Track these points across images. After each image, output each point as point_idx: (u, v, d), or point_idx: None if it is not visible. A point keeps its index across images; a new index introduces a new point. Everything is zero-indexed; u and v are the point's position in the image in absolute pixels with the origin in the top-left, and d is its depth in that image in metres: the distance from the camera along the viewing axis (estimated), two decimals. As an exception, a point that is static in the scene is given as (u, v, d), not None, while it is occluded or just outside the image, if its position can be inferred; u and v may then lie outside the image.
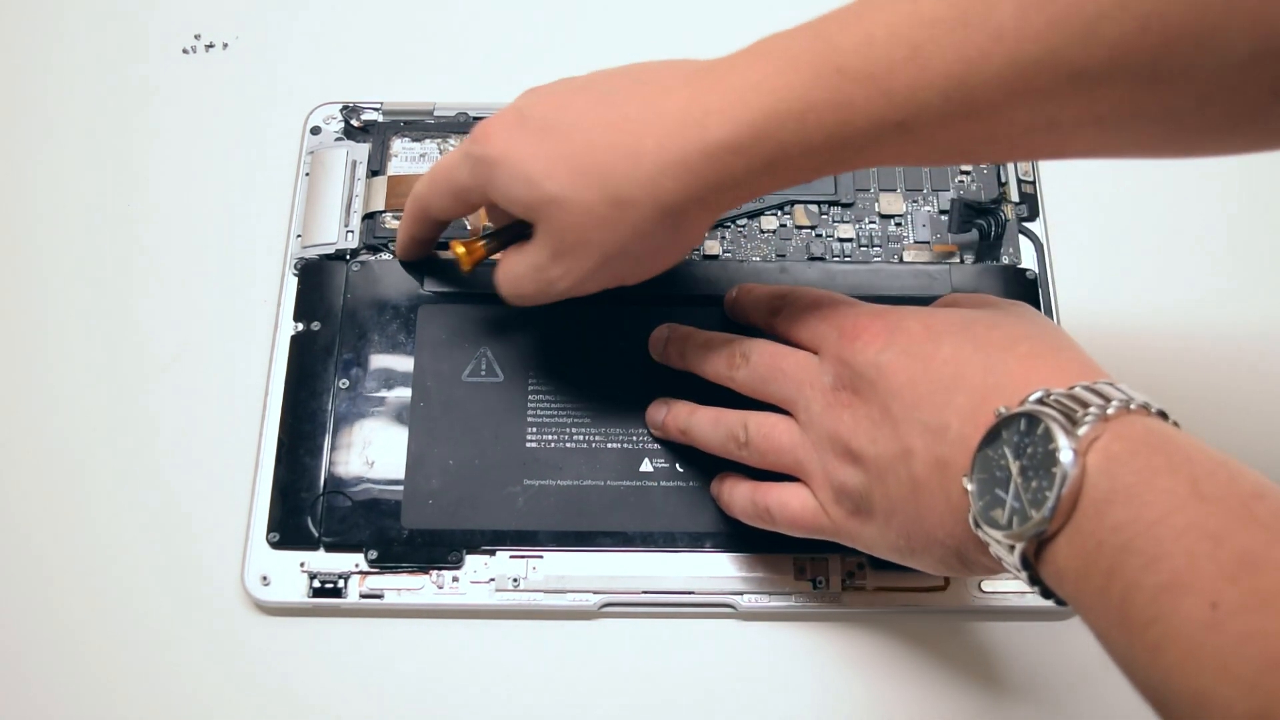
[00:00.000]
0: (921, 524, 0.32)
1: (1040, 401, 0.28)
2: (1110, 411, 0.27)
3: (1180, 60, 0.27)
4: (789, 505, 0.36)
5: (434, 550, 0.40)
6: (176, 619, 0.40)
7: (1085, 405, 0.27)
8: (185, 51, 0.51)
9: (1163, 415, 0.28)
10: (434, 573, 0.40)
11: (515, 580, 0.40)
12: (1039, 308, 0.44)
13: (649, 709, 0.39)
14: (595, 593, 0.40)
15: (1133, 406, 0.28)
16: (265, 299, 0.45)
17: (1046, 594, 0.29)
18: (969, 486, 0.29)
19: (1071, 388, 0.28)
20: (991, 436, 0.29)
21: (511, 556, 0.40)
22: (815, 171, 0.33)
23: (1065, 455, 0.27)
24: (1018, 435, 0.28)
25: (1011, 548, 0.28)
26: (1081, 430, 0.27)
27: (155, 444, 0.43)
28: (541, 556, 0.40)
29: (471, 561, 0.40)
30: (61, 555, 0.41)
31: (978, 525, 0.29)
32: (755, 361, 0.37)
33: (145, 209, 0.47)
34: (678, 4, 0.52)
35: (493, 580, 0.40)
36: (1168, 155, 0.32)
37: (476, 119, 0.48)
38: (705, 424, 0.39)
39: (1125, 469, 0.26)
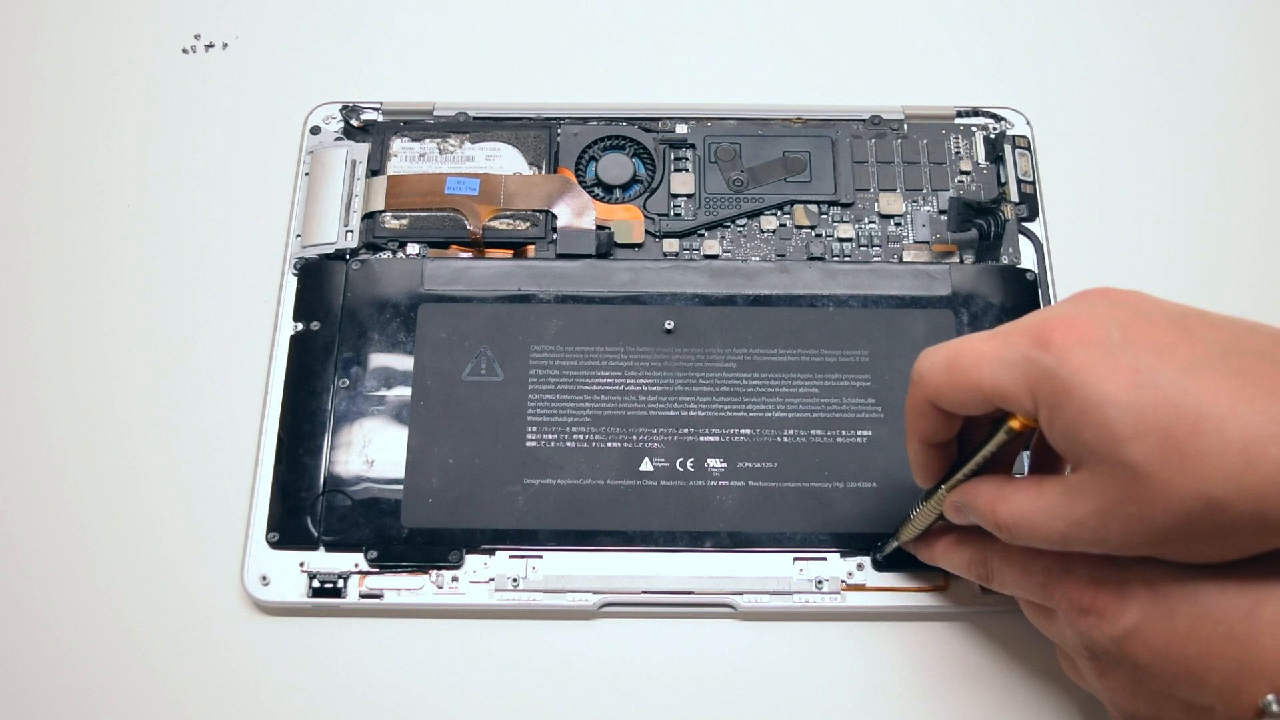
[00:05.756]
0: None
1: None
2: None
3: None
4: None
5: (434, 549, 0.40)
6: (176, 619, 0.40)
7: None
8: (185, 51, 0.51)
9: None
10: (434, 572, 0.40)
11: (515, 580, 0.40)
12: (1039, 308, 0.44)
13: (649, 709, 0.39)
14: (595, 593, 0.40)
15: None
16: (265, 299, 0.45)
17: None
18: None
19: None
20: None
21: (511, 556, 0.40)
22: None
23: None
24: None
25: None
26: None
27: (155, 444, 0.43)
28: (541, 556, 0.40)
29: (471, 561, 0.40)
30: (61, 555, 0.41)
31: None
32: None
33: (144, 209, 0.47)
34: (678, 6, 0.52)
35: (492, 580, 0.40)
36: None
37: (476, 119, 0.48)
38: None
39: None
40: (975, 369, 0.30)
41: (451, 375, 0.42)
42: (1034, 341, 0.29)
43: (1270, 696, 0.27)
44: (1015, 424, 0.31)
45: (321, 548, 0.40)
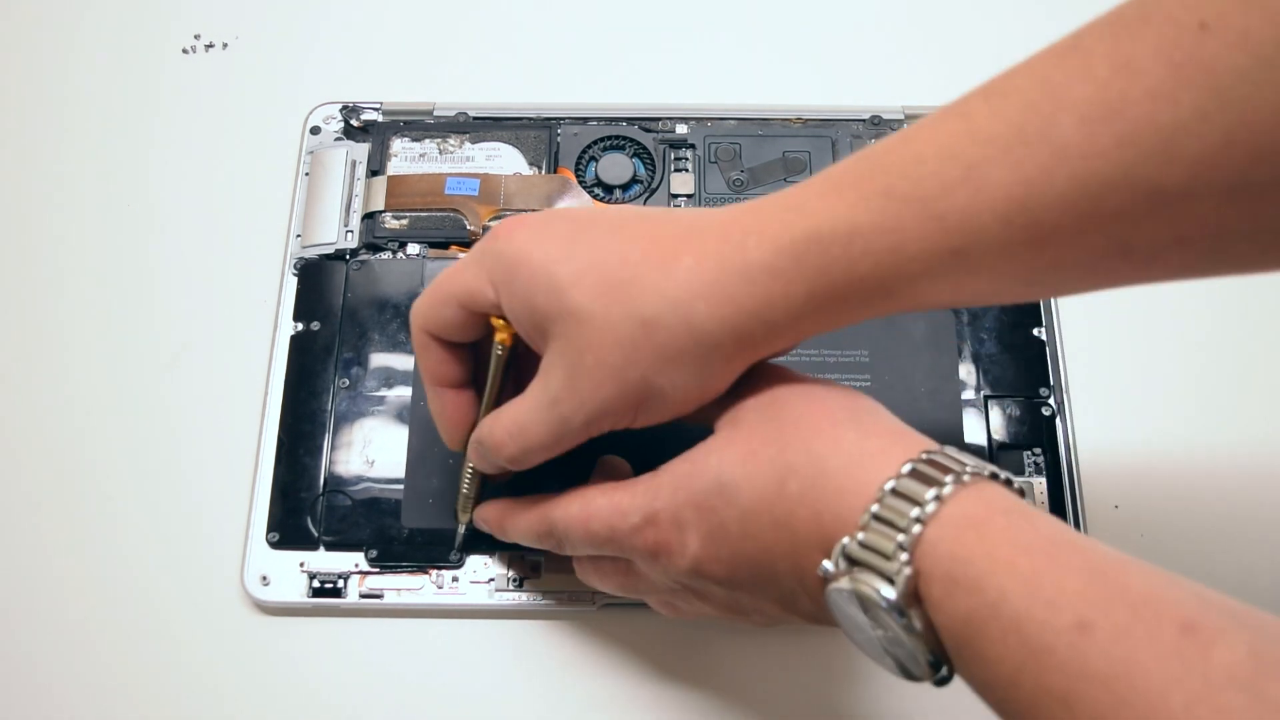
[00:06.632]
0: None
1: (850, 562, 0.28)
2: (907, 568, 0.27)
3: (1271, 172, 0.25)
4: None
5: (434, 549, 0.40)
6: (176, 619, 0.40)
7: (885, 555, 0.27)
8: (185, 51, 0.51)
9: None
10: (434, 572, 0.40)
11: (515, 580, 0.40)
12: (1038, 311, 0.44)
13: (649, 709, 0.39)
14: (595, 592, 0.40)
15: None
16: (265, 299, 0.45)
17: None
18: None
19: (859, 541, 0.27)
20: (835, 595, 0.28)
21: (511, 557, 0.40)
22: (864, 307, 0.30)
23: (889, 593, 0.27)
24: (856, 601, 0.28)
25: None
26: (900, 580, 0.27)
27: (155, 444, 0.43)
28: (541, 556, 0.40)
29: (471, 561, 0.40)
30: (61, 555, 0.41)
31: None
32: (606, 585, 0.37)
33: (145, 209, 0.47)
34: (678, 5, 0.52)
35: (492, 580, 0.40)
36: (1267, 270, 0.29)
37: (477, 119, 0.48)
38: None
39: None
40: (447, 280, 0.34)
41: (451, 375, 0.42)
42: (488, 239, 0.33)
43: (825, 562, 0.28)
44: (501, 335, 0.33)
45: (321, 548, 0.40)
